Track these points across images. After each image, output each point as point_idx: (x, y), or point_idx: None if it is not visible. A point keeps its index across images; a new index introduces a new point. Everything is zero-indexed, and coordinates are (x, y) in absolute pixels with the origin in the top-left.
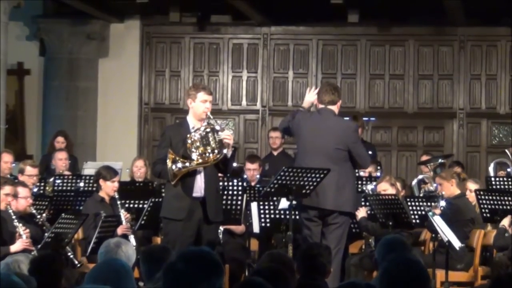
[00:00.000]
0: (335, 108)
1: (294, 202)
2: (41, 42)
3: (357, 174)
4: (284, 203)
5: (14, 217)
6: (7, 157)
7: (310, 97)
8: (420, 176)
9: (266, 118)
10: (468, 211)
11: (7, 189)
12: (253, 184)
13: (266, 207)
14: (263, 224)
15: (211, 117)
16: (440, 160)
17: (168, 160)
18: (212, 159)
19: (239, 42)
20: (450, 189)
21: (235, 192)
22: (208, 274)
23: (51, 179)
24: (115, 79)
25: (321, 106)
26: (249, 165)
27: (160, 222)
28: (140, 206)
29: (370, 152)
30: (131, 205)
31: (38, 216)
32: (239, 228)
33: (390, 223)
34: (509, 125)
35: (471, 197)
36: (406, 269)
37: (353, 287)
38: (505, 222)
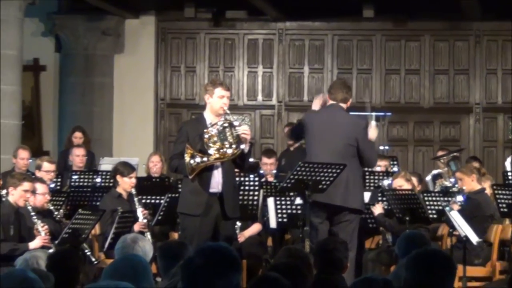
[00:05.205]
0: (345, 106)
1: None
2: (57, 38)
3: (373, 169)
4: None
5: (32, 213)
6: (24, 153)
7: (315, 105)
8: (434, 172)
9: (282, 113)
10: (488, 207)
11: (26, 185)
12: (269, 179)
13: (283, 202)
14: (279, 220)
15: (229, 112)
16: (452, 154)
17: (186, 155)
18: (229, 154)
19: (254, 38)
20: (471, 184)
21: (251, 188)
22: (226, 269)
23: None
24: (131, 75)
25: (331, 102)
26: (265, 160)
27: (177, 217)
28: (157, 201)
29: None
30: (148, 201)
31: (56, 212)
32: (255, 229)
33: (407, 218)
34: None
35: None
36: (432, 256)
37: (369, 282)
38: None
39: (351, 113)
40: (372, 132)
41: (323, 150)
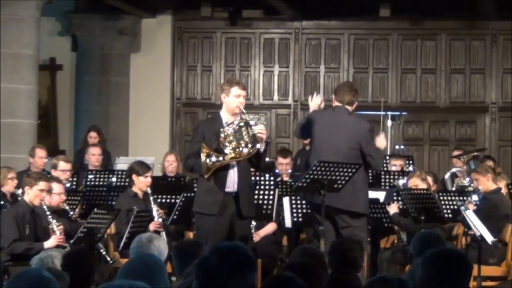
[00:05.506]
0: (351, 109)
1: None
2: (73, 37)
3: (389, 169)
4: None
5: (48, 212)
6: (42, 152)
7: (316, 101)
8: (453, 170)
9: (298, 112)
10: (503, 207)
11: (42, 184)
12: (285, 178)
13: (298, 201)
14: (295, 219)
15: (245, 111)
16: (473, 153)
17: (202, 154)
18: (245, 154)
19: (270, 37)
20: (486, 184)
21: (267, 187)
22: (241, 269)
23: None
24: (147, 74)
25: (337, 104)
26: (281, 160)
27: (193, 217)
28: (172, 201)
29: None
30: (163, 200)
31: (71, 212)
32: (271, 228)
33: (422, 218)
34: None
35: None
36: (449, 255)
37: (384, 281)
38: None
39: (367, 112)
40: (380, 141)
41: (327, 152)
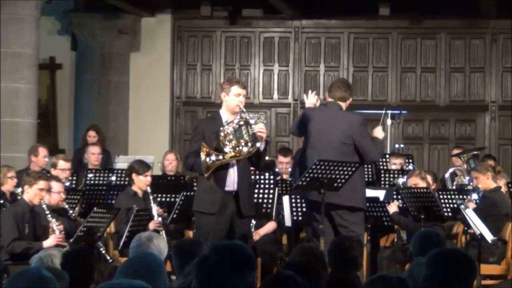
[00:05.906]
0: (343, 105)
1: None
2: (73, 36)
3: (388, 168)
4: None
5: (47, 212)
6: (44, 151)
7: (311, 100)
8: (452, 168)
9: (297, 111)
10: (503, 205)
11: (42, 184)
12: (285, 177)
13: (298, 200)
14: (295, 218)
15: (245, 110)
16: (473, 152)
17: (202, 153)
18: (245, 153)
19: (270, 36)
20: (486, 182)
21: (266, 186)
22: (241, 268)
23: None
24: (147, 73)
25: (330, 100)
26: (281, 159)
27: (192, 215)
28: (172, 200)
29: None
30: (163, 199)
31: (71, 211)
32: (270, 227)
33: (422, 216)
34: None
35: None
36: (455, 256)
37: (384, 280)
38: None
39: (366, 111)
40: (378, 132)
41: (321, 148)
